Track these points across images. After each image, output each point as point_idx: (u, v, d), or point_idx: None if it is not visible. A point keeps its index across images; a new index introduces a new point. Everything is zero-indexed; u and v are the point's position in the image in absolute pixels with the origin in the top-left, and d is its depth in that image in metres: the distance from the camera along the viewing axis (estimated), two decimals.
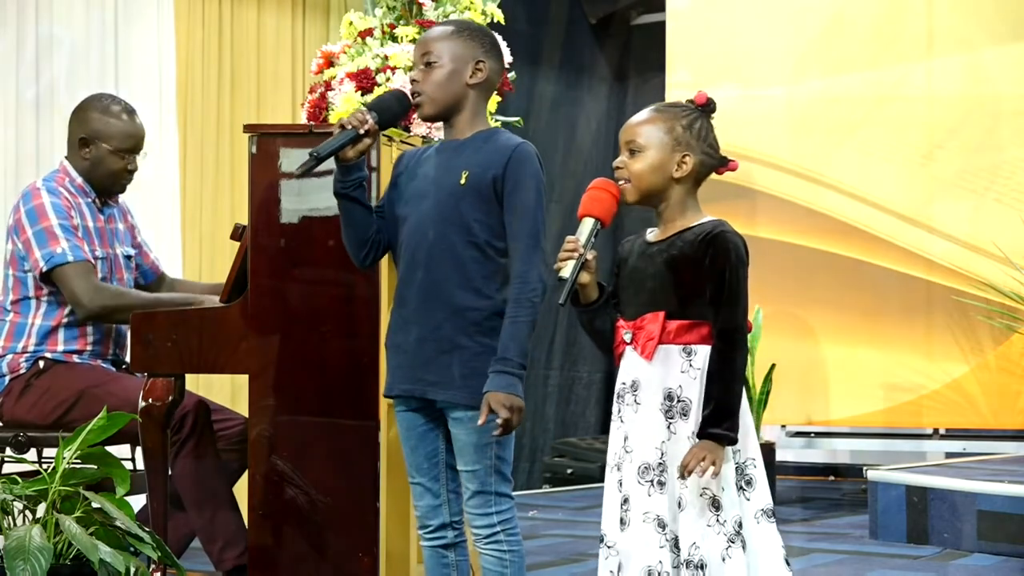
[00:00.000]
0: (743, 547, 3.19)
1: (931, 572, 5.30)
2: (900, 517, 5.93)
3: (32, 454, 4.64)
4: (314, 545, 4.11)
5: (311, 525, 4.12)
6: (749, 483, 3.25)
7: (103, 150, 4.78)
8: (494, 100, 4.72)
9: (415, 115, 3.79)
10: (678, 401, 3.23)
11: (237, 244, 4.38)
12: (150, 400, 4.25)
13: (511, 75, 4.81)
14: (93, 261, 4.67)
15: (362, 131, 3.52)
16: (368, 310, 4.11)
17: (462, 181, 3.53)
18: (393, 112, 3.61)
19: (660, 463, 3.22)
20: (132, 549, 3.95)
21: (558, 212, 8.33)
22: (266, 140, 4.17)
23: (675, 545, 3.19)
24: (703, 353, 3.23)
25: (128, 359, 4.52)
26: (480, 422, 3.39)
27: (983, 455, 7.06)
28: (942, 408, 7.11)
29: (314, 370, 4.12)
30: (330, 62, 4.83)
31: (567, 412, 9.03)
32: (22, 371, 4.68)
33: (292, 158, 4.13)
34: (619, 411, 3.32)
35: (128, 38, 6.61)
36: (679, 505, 3.20)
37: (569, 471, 8.21)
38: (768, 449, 6.62)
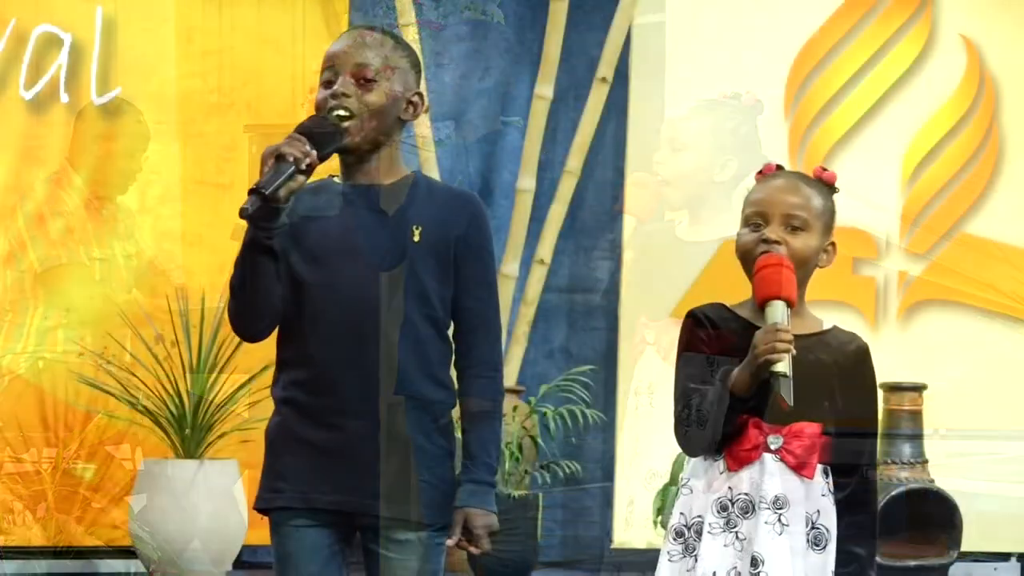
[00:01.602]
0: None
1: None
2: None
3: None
4: None
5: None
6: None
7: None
8: None
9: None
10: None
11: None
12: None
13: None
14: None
15: (303, 166, 2.85)
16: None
17: (416, 238, 2.84)
18: (330, 143, 2.93)
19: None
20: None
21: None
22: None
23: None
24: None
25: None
26: (450, 542, 2.78)
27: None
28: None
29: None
30: None
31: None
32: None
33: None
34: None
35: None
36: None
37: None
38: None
